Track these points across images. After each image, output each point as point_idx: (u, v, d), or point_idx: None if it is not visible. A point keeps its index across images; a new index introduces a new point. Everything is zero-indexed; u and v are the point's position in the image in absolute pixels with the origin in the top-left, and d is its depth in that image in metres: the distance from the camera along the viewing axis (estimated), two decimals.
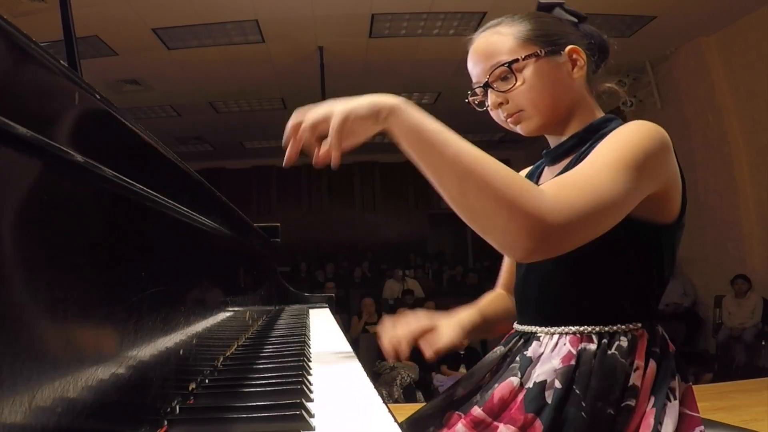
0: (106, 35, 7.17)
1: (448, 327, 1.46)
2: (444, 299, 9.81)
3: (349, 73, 8.85)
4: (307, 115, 1.15)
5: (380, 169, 14.86)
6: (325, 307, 3.08)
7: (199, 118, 11.12)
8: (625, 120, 1.35)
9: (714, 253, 8.45)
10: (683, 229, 1.30)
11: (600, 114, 1.42)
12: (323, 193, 14.94)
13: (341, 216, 14.71)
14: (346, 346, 1.52)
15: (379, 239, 14.51)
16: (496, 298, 1.71)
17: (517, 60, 1.33)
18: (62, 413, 0.54)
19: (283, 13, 6.98)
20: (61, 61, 0.57)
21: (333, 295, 3.43)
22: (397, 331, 1.42)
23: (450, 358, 6.87)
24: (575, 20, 1.46)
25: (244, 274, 1.93)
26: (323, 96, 8.43)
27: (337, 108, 1.11)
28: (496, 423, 1.23)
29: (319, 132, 1.14)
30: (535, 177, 1.52)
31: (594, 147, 1.23)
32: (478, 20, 7.17)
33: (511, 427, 1.19)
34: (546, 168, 1.49)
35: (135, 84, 9.10)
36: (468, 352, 6.77)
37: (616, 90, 1.51)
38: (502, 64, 1.35)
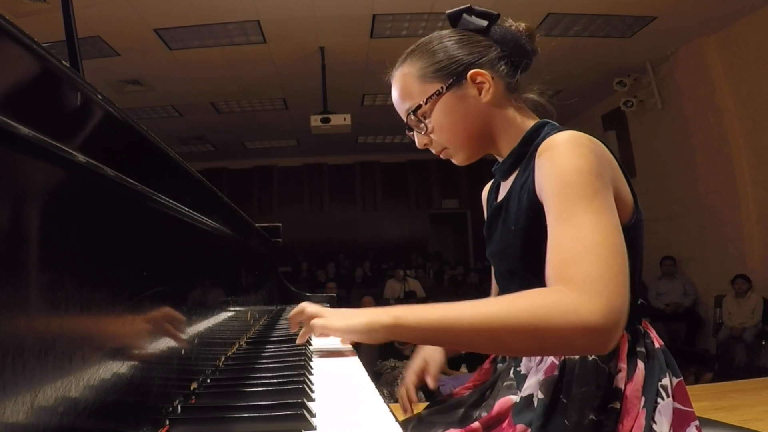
0: (108, 36, 7.18)
1: (433, 353, 1.69)
2: (445, 299, 9.82)
3: (350, 73, 8.86)
4: (308, 310, 1.36)
5: (381, 168, 14.88)
6: (327, 306, 3.08)
7: (200, 118, 11.12)
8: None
9: (714, 253, 8.46)
10: (643, 225, 1.29)
11: (531, 121, 1.41)
12: (324, 193, 14.94)
13: (342, 216, 14.72)
14: (348, 346, 1.52)
15: (380, 239, 14.52)
16: None
17: (420, 106, 1.37)
18: (64, 413, 0.55)
19: (284, 14, 6.99)
20: (63, 62, 0.57)
21: (334, 294, 3.43)
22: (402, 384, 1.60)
23: (451, 357, 6.85)
24: (485, 24, 1.42)
25: (246, 274, 1.93)
26: (324, 96, 8.44)
27: (333, 322, 1.25)
28: None
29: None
30: (493, 191, 1.53)
31: (533, 160, 1.25)
32: None
33: None
34: (501, 182, 1.49)
35: (137, 84, 9.10)
36: (469, 353, 6.76)
37: (541, 101, 1.48)
38: (409, 113, 1.40)
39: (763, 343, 7.29)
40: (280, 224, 3.10)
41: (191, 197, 1.12)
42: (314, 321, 1.28)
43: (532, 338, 1.05)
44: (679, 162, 8.94)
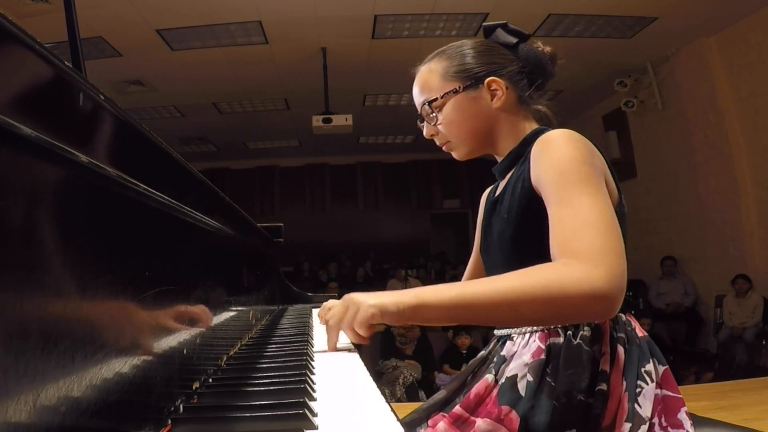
0: (111, 36, 7.18)
1: None
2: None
3: (351, 73, 8.87)
4: (335, 311, 1.33)
5: (383, 168, 14.88)
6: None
7: (202, 118, 11.13)
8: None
9: (715, 252, 8.47)
10: (626, 218, 1.36)
11: (533, 127, 1.51)
12: (326, 193, 14.95)
13: (344, 216, 14.73)
14: (349, 346, 1.52)
15: (382, 239, 14.52)
16: None
17: (435, 99, 1.49)
18: (66, 412, 0.54)
19: (286, 14, 6.99)
20: (66, 62, 0.58)
21: (336, 294, 3.43)
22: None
23: (452, 357, 6.88)
24: (514, 41, 1.54)
25: (248, 273, 1.93)
26: (326, 97, 8.45)
27: (367, 302, 1.26)
28: (473, 418, 1.29)
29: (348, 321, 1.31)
30: (494, 191, 1.59)
31: (529, 156, 1.34)
32: (480, 21, 7.17)
33: (488, 420, 1.25)
34: (499, 182, 1.57)
35: (139, 85, 9.11)
36: (470, 352, 6.78)
37: (547, 112, 1.57)
38: (425, 103, 1.51)
39: (764, 342, 7.31)
40: (281, 224, 3.11)
41: (193, 197, 1.12)
42: (358, 318, 1.27)
43: (548, 307, 1.12)
44: (679, 162, 8.94)
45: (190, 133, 12.16)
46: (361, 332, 1.28)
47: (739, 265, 7.84)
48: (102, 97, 0.66)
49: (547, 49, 1.54)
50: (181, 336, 0.99)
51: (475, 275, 1.83)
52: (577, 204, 1.16)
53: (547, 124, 1.54)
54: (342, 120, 8.47)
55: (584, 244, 1.11)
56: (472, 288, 1.16)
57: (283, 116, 11.28)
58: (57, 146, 0.55)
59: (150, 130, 0.83)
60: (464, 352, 6.83)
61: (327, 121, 8.44)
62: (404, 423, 1.43)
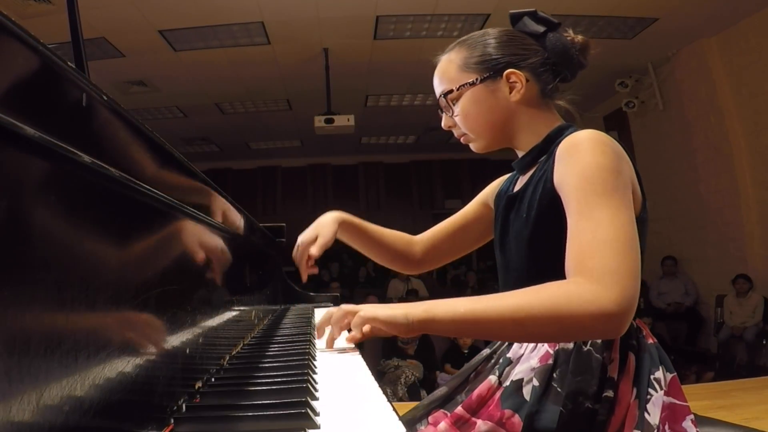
0: (113, 37, 7.18)
1: (324, 229, 1.97)
2: (447, 298, 9.79)
3: (353, 74, 8.86)
4: (342, 317, 1.36)
5: (384, 169, 14.86)
6: (331, 306, 3.07)
7: (205, 119, 11.12)
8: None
9: (715, 252, 8.47)
10: (647, 224, 1.33)
11: (556, 123, 1.46)
12: (328, 193, 14.91)
13: None
14: (351, 345, 1.52)
15: None
16: (398, 234, 2.16)
17: (451, 91, 1.46)
18: (69, 411, 0.55)
19: (288, 15, 6.99)
20: (69, 63, 0.58)
21: (338, 294, 3.44)
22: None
23: (454, 356, 6.88)
24: (542, 30, 1.49)
25: (250, 273, 1.93)
26: (328, 97, 8.44)
27: (378, 311, 1.25)
28: (474, 419, 1.29)
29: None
30: (512, 185, 1.57)
31: (554, 155, 1.30)
32: (482, 22, 7.16)
33: (489, 423, 1.24)
34: (519, 177, 1.55)
35: (142, 85, 9.10)
36: (472, 351, 6.78)
37: (569, 109, 1.54)
38: (442, 95, 1.48)
39: (764, 342, 7.31)
40: (284, 224, 3.10)
41: (195, 197, 1.12)
42: (361, 313, 1.28)
43: (555, 326, 1.10)
44: (680, 162, 8.93)
45: (192, 134, 12.15)
46: (355, 332, 1.31)
47: (740, 265, 7.84)
48: (105, 97, 0.67)
49: (579, 38, 1.50)
50: (184, 335, 0.99)
51: (440, 231, 2.10)
52: (598, 218, 1.13)
53: (571, 120, 1.50)
54: (344, 120, 8.47)
55: (599, 264, 1.08)
56: (482, 304, 1.15)
57: (286, 117, 11.27)
58: (60, 146, 0.55)
59: (152, 131, 0.84)
60: (466, 351, 6.84)
61: (329, 121, 8.43)
62: (404, 420, 1.43)
